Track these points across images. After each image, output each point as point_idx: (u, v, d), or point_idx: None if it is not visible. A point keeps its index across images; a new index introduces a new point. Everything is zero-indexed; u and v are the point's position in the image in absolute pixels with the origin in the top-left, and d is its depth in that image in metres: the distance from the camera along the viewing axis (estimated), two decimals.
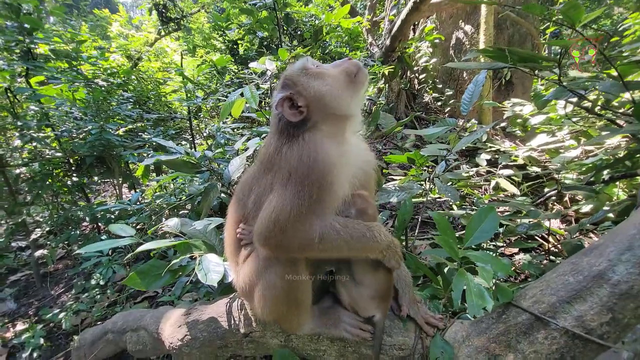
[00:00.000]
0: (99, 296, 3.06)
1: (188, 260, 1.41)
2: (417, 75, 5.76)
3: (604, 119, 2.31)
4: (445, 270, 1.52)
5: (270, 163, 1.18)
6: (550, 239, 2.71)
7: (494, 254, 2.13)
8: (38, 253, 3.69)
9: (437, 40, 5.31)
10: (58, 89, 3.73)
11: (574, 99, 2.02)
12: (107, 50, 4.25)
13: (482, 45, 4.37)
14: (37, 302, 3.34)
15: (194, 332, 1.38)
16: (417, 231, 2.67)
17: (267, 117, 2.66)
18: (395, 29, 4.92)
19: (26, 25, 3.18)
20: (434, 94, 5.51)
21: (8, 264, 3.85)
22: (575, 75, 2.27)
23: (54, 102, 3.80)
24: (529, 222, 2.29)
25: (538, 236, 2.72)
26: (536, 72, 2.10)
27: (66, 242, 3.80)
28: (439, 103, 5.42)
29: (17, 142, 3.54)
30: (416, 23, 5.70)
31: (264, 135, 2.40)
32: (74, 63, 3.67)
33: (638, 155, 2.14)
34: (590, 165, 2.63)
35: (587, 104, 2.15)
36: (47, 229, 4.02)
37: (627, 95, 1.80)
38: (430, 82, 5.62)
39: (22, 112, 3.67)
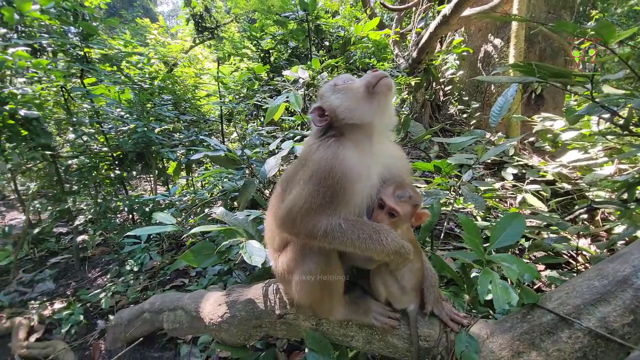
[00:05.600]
0: (132, 281, 3.27)
1: (229, 245, 1.55)
2: (442, 87, 5.79)
3: (638, 137, 2.28)
4: (472, 275, 1.57)
5: (305, 160, 1.37)
6: (580, 258, 2.64)
7: None
8: (79, 238, 3.99)
9: (464, 53, 5.33)
10: (106, 89, 4.09)
11: (607, 115, 2.02)
12: (146, 56, 4.63)
13: (511, 59, 4.36)
14: (75, 284, 3.59)
15: (233, 311, 1.51)
16: (440, 241, 2.69)
17: (305, 120, 2.85)
18: (423, 41, 5.01)
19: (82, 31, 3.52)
20: (459, 106, 5.52)
21: (49, 247, 4.19)
22: (608, 92, 2.26)
23: (104, 101, 4.17)
24: (557, 236, 2.27)
25: (567, 254, 2.66)
26: (568, 87, 2.12)
27: (104, 230, 4.10)
28: (465, 115, 5.41)
29: (71, 136, 3.89)
30: (444, 36, 5.76)
31: (296, 137, 2.55)
32: (122, 66, 4.03)
33: None
34: (623, 182, 2.58)
35: (621, 121, 2.14)
36: (89, 217, 4.34)
37: None
38: (456, 94, 5.63)
39: (74, 109, 4.04)
